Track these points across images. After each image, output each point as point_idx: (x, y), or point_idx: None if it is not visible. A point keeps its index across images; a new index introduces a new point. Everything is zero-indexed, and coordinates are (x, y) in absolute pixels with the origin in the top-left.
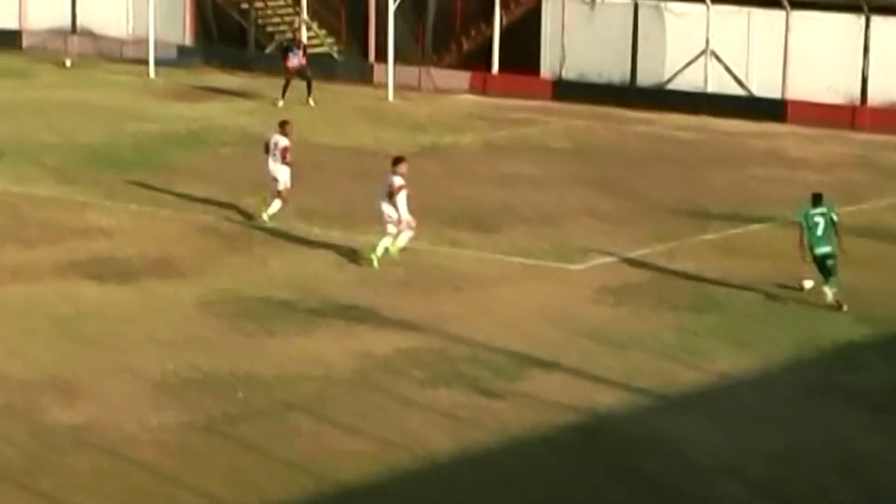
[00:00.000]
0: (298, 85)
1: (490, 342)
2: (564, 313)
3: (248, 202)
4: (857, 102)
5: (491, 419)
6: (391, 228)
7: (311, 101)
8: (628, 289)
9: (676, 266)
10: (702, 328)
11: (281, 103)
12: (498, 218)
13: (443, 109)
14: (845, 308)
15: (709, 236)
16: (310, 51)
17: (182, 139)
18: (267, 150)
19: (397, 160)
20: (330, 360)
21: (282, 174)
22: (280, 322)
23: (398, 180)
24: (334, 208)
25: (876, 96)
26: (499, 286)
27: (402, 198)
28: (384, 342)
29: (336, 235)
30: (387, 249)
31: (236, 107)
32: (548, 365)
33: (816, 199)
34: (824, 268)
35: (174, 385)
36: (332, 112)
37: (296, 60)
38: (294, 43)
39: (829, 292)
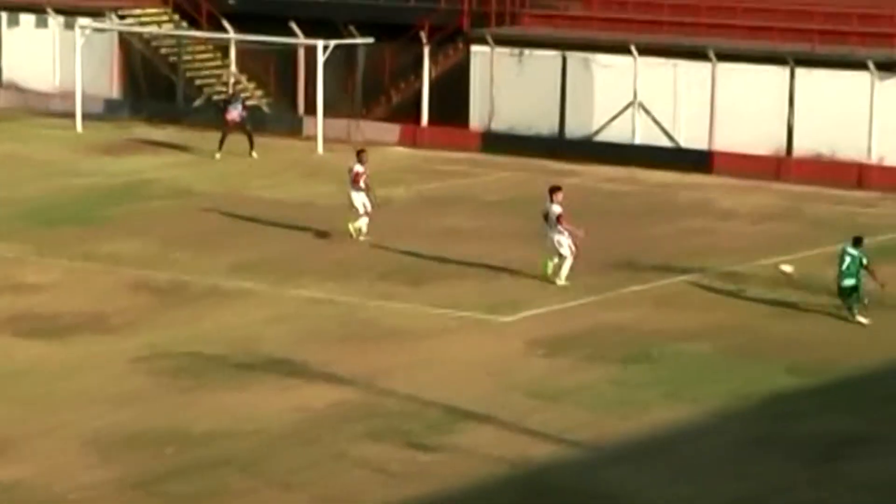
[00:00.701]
0: (233, 137)
1: (423, 395)
2: (498, 366)
3: (177, 256)
4: (783, 153)
5: (425, 473)
6: (565, 251)
7: (254, 154)
8: (562, 341)
9: (609, 317)
10: (636, 380)
11: (218, 155)
12: (431, 270)
13: (373, 162)
14: (865, 322)
15: (640, 287)
16: (241, 97)
17: (112, 193)
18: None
19: (554, 189)
20: (264, 415)
21: (357, 199)
22: (213, 377)
23: (556, 209)
24: (267, 261)
25: (801, 147)
26: (432, 339)
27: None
28: (318, 397)
29: (268, 289)
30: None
31: (166, 160)
32: (481, 418)
33: (856, 242)
34: (846, 297)
35: (106, 442)
36: (264, 165)
37: (235, 113)
38: (233, 96)
39: (859, 317)
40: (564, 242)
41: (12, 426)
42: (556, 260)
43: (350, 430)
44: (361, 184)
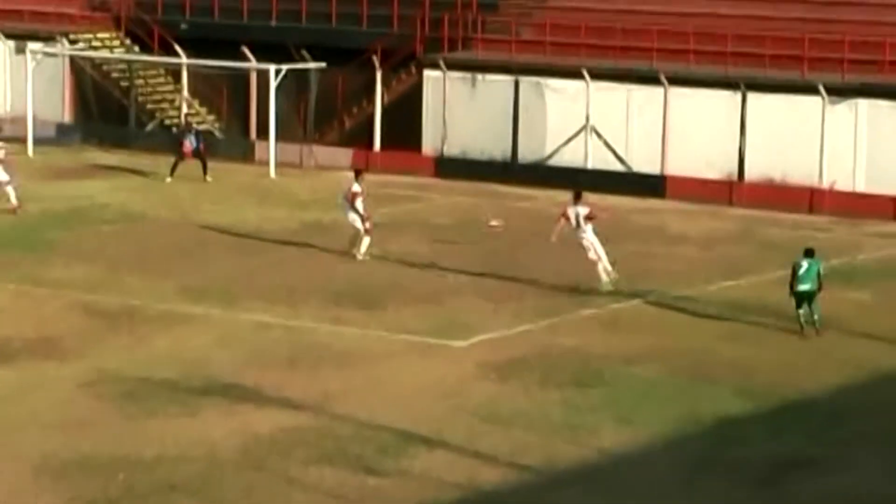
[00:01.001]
0: (187, 162)
1: (375, 420)
2: (449, 390)
3: (126, 280)
4: (735, 178)
5: (376, 498)
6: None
7: (208, 178)
8: (512, 365)
9: (560, 341)
10: (586, 404)
11: (169, 180)
12: (382, 295)
13: (325, 186)
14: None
15: (591, 311)
16: (195, 128)
17: (62, 217)
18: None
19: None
20: (213, 440)
21: (353, 217)
22: (162, 402)
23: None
24: (217, 285)
25: (752, 172)
26: (383, 363)
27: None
28: (268, 421)
29: (218, 313)
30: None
31: (117, 184)
32: (432, 442)
33: (808, 253)
34: (803, 302)
35: (54, 468)
36: (215, 189)
37: (189, 144)
38: (187, 127)
39: (803, 320)
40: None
41: None
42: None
43: (300, 454)
44: (358, 204)
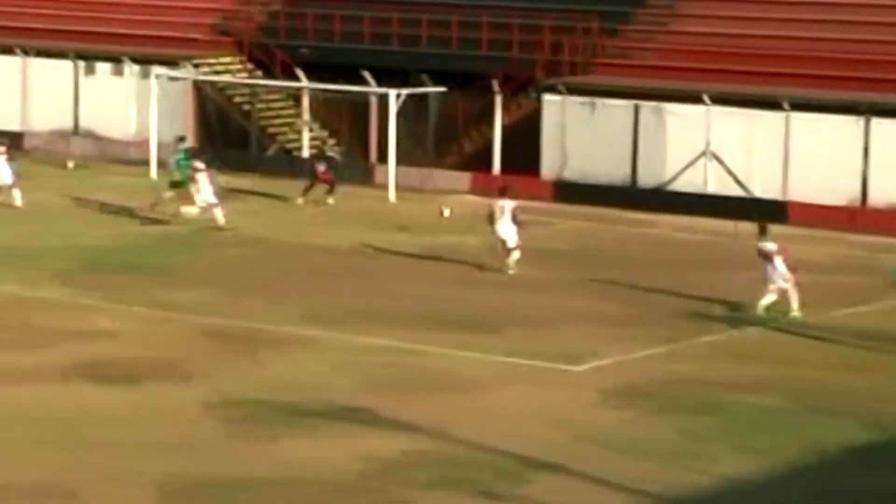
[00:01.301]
0: (296, 186)
1: (492, 444)
2: (567, 416)
3: (250, 304)
4: (858, 204)
5: None
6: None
7: (330, 200)
8: (631, 391)
9: (679, 368)
10: (706, 431)
11: (300, 201)
12: (500, 320)
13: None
14: None
15: (710, 338)
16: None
17: (185, 241)
18: (491, 219)
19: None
20: (333, 463)
21: (510, 232)
22: (283, 425)
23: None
24: (336, 309)
25: (876, 197)
26: (501, 388)
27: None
28: (387, 445)
29: (338, 337)
30: None
31: (238, 208)
32: (550, 467)
33: None
34: None
35: (176, 489)
36: (335, 213)
37: (321, 168)
38: (320, 153)
39: None
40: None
41: (80, 472)
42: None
43: (419, 478)
44: (519, 217)
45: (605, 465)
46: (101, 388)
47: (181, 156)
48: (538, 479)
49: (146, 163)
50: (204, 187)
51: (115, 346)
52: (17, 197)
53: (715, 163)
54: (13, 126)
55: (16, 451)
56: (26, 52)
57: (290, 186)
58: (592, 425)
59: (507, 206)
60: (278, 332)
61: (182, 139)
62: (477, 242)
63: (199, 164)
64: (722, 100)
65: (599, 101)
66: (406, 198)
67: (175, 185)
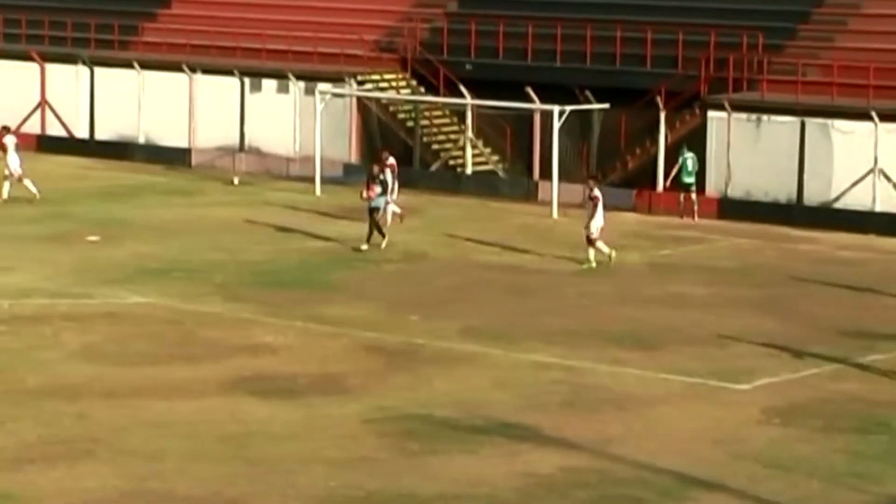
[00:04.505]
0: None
1: (654, 463)
2: (729, 434)
3: (410, 319)
4: None
5: None
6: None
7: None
8: (794, 410)
9: (844, 387)
10: (871, 451)
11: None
12: (661, 337)
13: (607, 227)
14: None
15: (876, 357)
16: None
17: (346, 257)
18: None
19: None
20: (493, 479)
21: (595, 222)
22: (443, 441)
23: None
24: (496, 325)
25: None
26: (662, 406)
27: None
28: (547, 462)
29: (498, 353)
30: None
31: (400, 224)
32: (713, 487)
33: None
34: None
35: None
36: (497, 229)
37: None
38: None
39: None
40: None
41: (243, 486)
42: None
43: (580, 495)
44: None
45: (767, 485)
46: (262, 402)
47: None
48: (700, 498)
49: (310, 180)
50: None
51: (276, 360)
52: (30, 185)
53: (883, 180)
54: (180, 143)
55: (176, 463)
56: (193, 70)
57: (454, 202)
58: (756, 444)
59: (595, 191)
60: (438, 348)
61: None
62: (636, 259)
63: None
64: (890, 116)
65: (765, 117)
66: (569, 214)
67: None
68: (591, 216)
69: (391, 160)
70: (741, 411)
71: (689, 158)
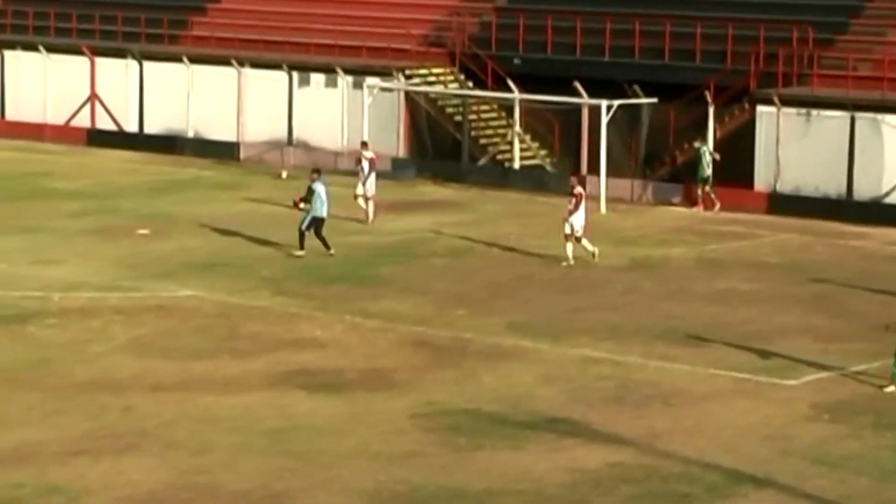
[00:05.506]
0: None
1: (701, 458)
2: (779, 430)
3: (457, 314)
4: None
5: None
6: None
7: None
8: (843, 406)
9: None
10: None
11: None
12: (709, 332)
13: (654, 222)
14: None
15: None
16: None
17: (394, 251)
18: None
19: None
20: (539, 474)
21: (577, 220)
22: (489, 435)
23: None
24: (543, 320)
25: None
26: (710, 402)
27: None
28: (594, 457)
29: (545, 348)
30: None
31: (447, 219)
32: (761, 483)
33: None
34: None
35: (385, 498)
36: (543, 224)
37: None
38: None
39: None
40: None
41: (289, 480)
42: None
43: (626, 491)
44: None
45: (816, 481)
46: (309, 396)
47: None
48: (748, 495)
49: (357, 174)
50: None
51: (323, 354)
52: None
53: None
54: (229, 137)
55: (222, 457)
56: (242, 64)
57: (502, 197)
58: (804, 440)
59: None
60: (485, 343)
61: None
62: (683, 254)
63: None
64: None
65: (815, 112)
66: (616, 209)
67: None
68: (573, 212)
69: (370, 154)
70: (789, 408)
71: (706, 151)
